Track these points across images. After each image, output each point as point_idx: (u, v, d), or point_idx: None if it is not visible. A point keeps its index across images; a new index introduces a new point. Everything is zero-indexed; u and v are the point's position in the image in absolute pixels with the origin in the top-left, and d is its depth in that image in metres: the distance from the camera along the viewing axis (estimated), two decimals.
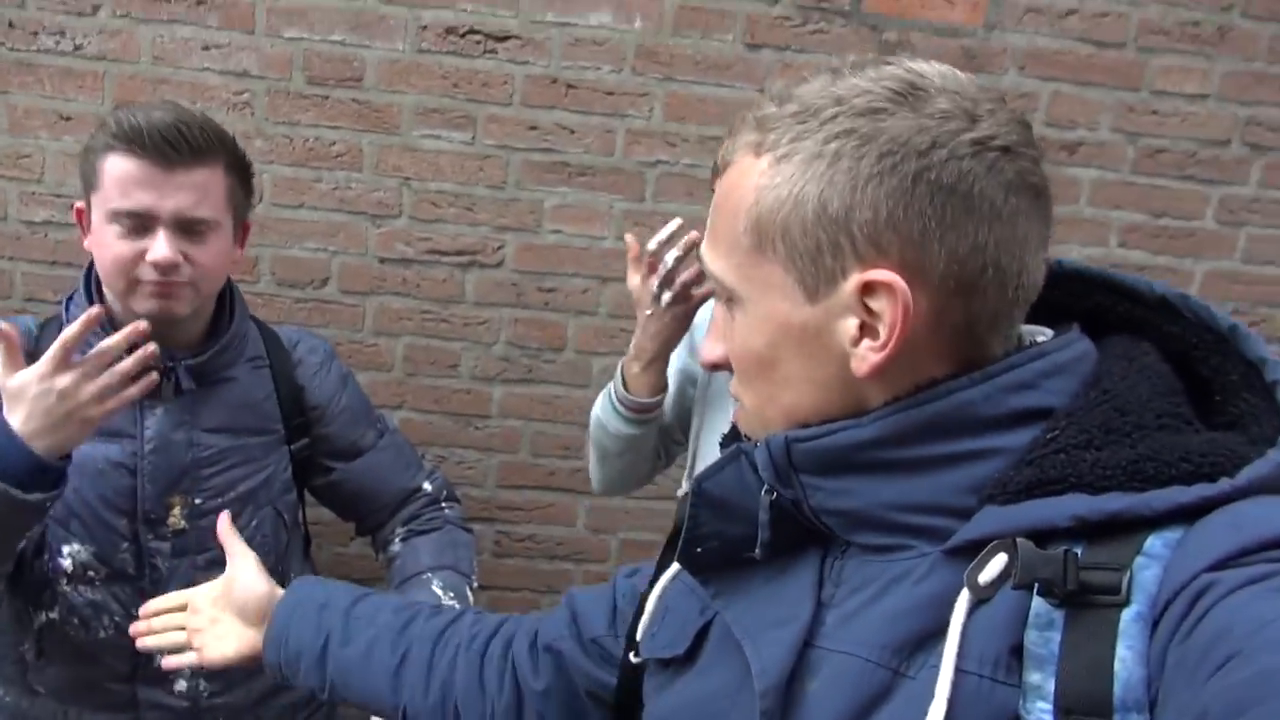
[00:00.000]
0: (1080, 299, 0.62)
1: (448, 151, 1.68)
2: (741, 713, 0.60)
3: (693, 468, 1.33)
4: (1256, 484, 0.50)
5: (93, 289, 1.23)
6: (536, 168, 1.69)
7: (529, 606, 1.92)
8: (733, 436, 0.68)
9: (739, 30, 1.65)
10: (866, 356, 0.55)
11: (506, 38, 1.63)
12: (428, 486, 1.47)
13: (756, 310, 0.59)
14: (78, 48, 1.62)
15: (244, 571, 0.99)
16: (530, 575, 1.91)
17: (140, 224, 1.13)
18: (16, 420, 1.03)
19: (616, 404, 1.28)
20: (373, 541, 1.50)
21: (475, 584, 1.44)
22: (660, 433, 1.36)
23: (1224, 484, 0.50)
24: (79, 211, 1.20)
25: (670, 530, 0.72)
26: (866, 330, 0.55)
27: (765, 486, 0.61)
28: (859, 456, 0.57)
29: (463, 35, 1.63)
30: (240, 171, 1.22)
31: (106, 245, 1.14)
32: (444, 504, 1.48)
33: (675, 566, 0.72)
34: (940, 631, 0.53)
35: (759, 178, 0.56)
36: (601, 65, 1.64)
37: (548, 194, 1.70)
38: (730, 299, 0.61)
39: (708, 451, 1.28)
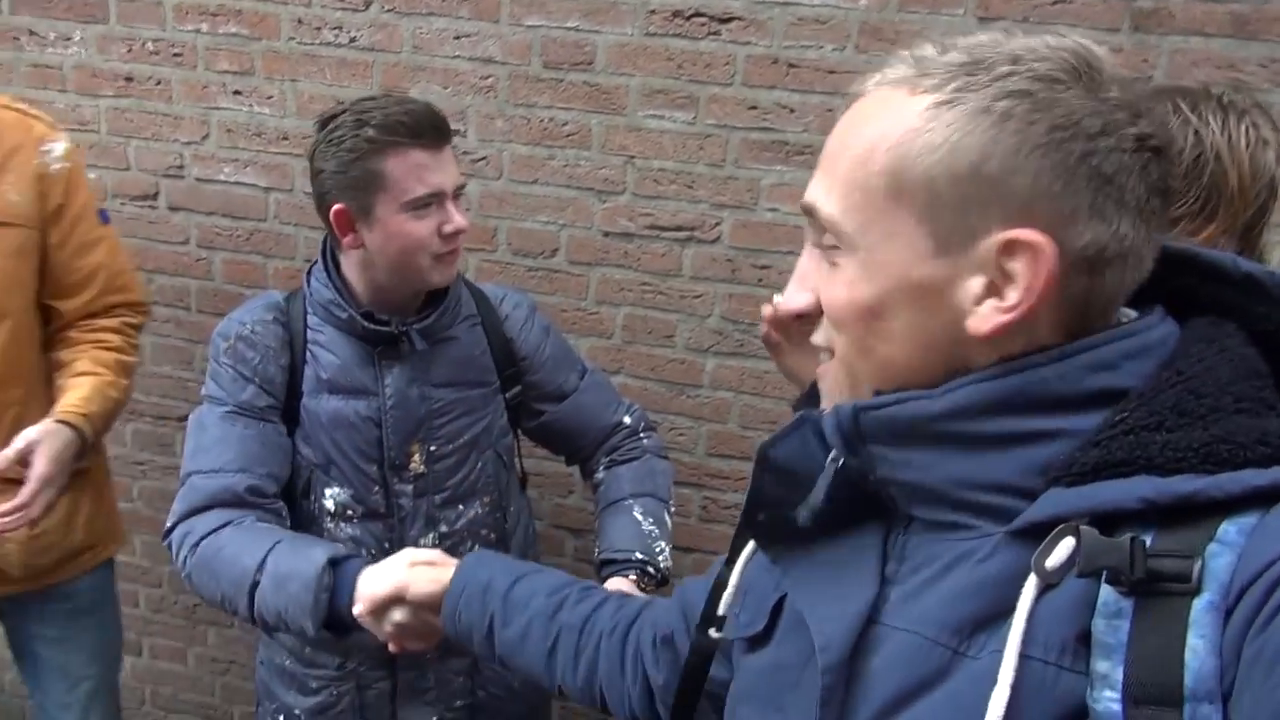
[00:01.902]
0: (1166, 280, 0.59)
1: (670, 131, 1.74)
2: (807, 687, 0.61)
3: None
4: None
5: (329, 264, 1.38)
6: (755, 146, 1.72)
7: None
8: (804, 402, 0.68)
9: (970, 3, 1.59)
10: (990, 316, 0.54)
11: (730, 19, 1.66)
12: (627, 420, 1.59)
13: (871, 258, 0.57)
14: (352, 40, 1.82)
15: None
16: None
17: (435, 201, 1.29)
18: None
19: None
20: (581, 470, 1.63)
21: (672, 508, 1.55)
22: None
23: None
24: (339, 214, 1.28)
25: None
26: (992, 290, 0.54)
27: (832, 455, 0.61)
28: (929, 428, 0.56)
29: (688, 18, 1.68)
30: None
31: (404, 234, 1.28)
32: (642, 434, 1.60)
33: (752, 545, 0.72)
34: (1003, 613, 0.52)
35: (912, 118, 0.55)
36: (824, 44, 1.64)
37: (765, 172, 1.73)
38: (836, 245, 0.58)
39: None
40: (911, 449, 0.57)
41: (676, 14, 1.68)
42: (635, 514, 1.48)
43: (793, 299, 0.62)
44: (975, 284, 0.55)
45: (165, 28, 1.89)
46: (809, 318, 0.62)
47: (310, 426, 1.37)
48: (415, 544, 1.41)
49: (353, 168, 1.26)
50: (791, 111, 1.69)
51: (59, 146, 1.47)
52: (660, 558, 1.44)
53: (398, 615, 1.10)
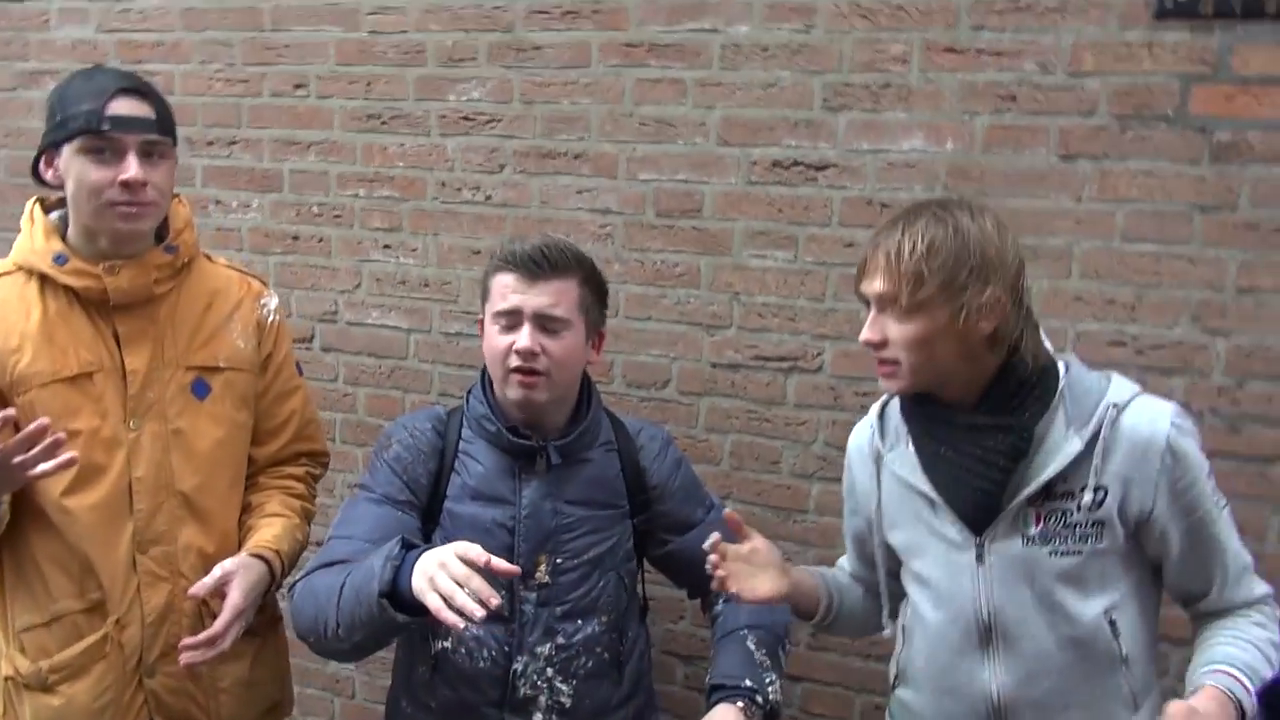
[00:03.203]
0: None
1: (773, 269, 1.89)
2: None
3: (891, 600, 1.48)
4: None
5: (486, 385, 1.56)
6: (853, 281, 1.83)
7: (842, 704, 1.97)
8: None
9: (1052, 143, 1.70)
10: None
11: (825, 167, 1.82)
12: None
13: None
14: (488, 198, 2.07)
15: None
16: (844, 671, 1.97)
17: (512, 321, 1.46)
18: None
19: None
20: (701, 603, 1.70)
21: (789, 646, 1.59)
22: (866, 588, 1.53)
23: None
24: (480, 324, 1.56)
25: None
26: None
27: None
28: None
29: (787, 167, 1.85)
30: (594, 288, 1.52)
31: (489, 341, 1.49)
32: None
33: None
34: None
35: None
36: (914, 185, 1.78)
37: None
38: None
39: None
40: None
41: (776, 164, 1.85)
42: (749, 644, 1.52)
43: None
44: None
45: (329, 193, 2.18)
46: None
47: (450, 527, 1.51)
48: (532, 652, 1.50)
49: (482, 285, 1.53)
50: None
51: (273, 301, 1.68)
52: (770, 689, 1.48)
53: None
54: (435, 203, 2.11)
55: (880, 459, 1.40)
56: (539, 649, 1.51)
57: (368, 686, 2.35)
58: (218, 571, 1.45)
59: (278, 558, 1.54)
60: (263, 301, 1.65)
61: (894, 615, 1.50)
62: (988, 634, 1.30)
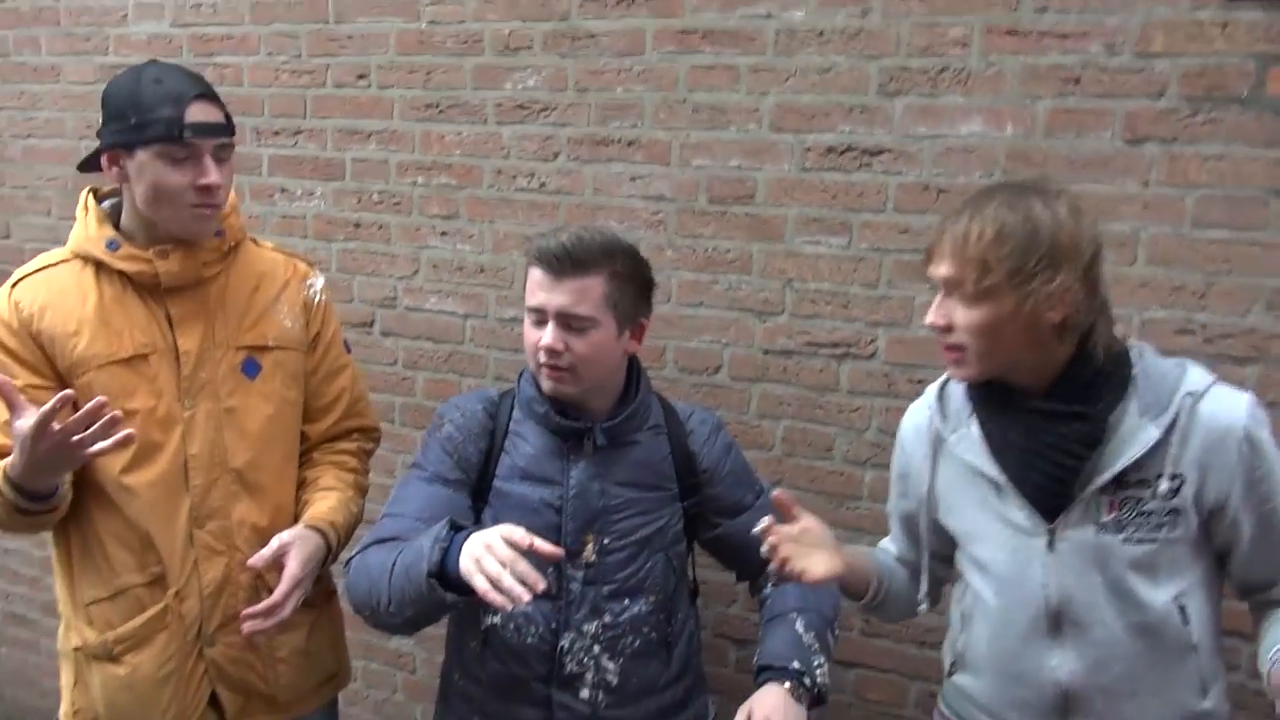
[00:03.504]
0: None
1: (826, 255, 1.87)
2: None
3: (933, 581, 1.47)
4: None
5: None
6: (908, 267, 1.81)
7: (896, 690, 1.96)
8: None
9: (1118, 126, 1.66)
10: None
11: (881, 152, 1.80)
12: None
13: None
14: (542, 185, 2.09)
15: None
16: (898, 658, 1.96)
17: (540, 318, 1.48)
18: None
19: None
20: (750, 586, 1.71)
21: (837, 631, 1.59)
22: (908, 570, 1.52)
23: None
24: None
25: None
26: None
27: None
28: None
29: (841, 153, 1.83)
30: (626, 280, 1.51)
31: (525, 332, 1.52)
32: None
33: None
34: None
35: None
36: (973, 171, 1.75)
37: (919, 291, 1.81)
38: None
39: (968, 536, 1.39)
40: None
41: (830, 149, 1.84)
42: (797, 627, 1.53)
43: None
44: None
45: (389, 181, 2.23)
46: None
47: (499, 507, 1.54)
48: (579, 629, 1.52)
49: (526, 271, 1.54)
50: None
51: (319, 282, 1.72)
52: (818, 672, 1.48)
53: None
54: (491, 190, 2.14)
55: (940, 441, 1.39)
56: (585, 626, 1.53)
57: (428, 663, 2.41)
58: (275, 543, 1.50)
59: (333, 529, 1.58)
60: (309, 282, 1.70)
61: (933, 599, 1.49)
62: (1056, 620, 1.29)
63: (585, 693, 1.53)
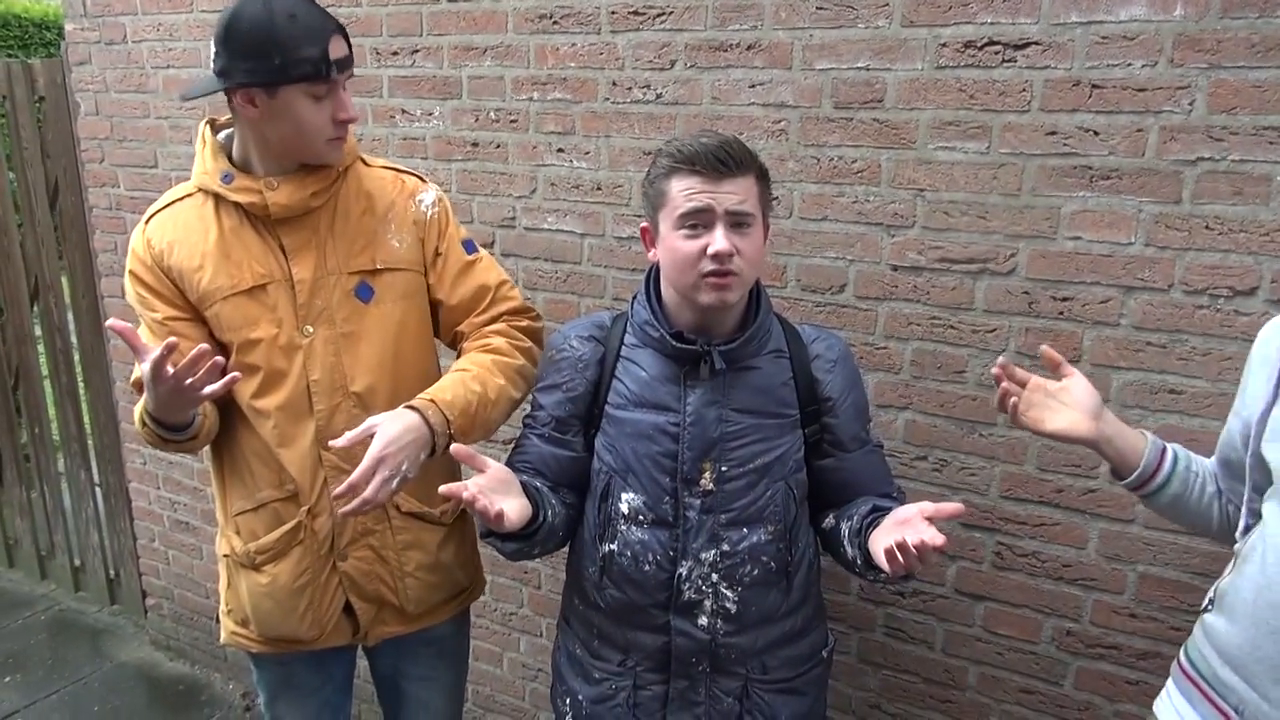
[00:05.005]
0: None
1: (961, 162, 1.73)
2: None
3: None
4: None
5: (651, 292, 1.54)
6: (1054, 173, 1.65)
7: (1029, 626, 1.87)
8: None
9: None
10: None
11: (1026, 44, 1.63)
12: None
13: None
14: (658, 96, 2.00)
15: None
16: (1032, 593, 1.86)
17: (703, 221, 1.39)
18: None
19: None
20: (810, 518, 1.63)
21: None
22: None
23: None
24: (644, 231, 1.51)
25: None
26: None
27: None
28: None
29: (981, 48, 1.67)
30: (766, 180, 1.46)
31: (674, 248, 1.42)
32: None
33: None
34: None
35: None
36: (1133, 61, 1.56)
37: (1066, 199, 1.66)
38: None
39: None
40: None
41: (968, 45, 1.68)
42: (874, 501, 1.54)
43: None
44: None
45: (505, 98, 2.19)
46: None
47: (614, 434, 1.52)
48: (697, 557, 1.50)
49: (650, 189, 1.47)
50: (1096, 134, 1.61)
51: (429, 195, 1.71)
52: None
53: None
54: (606, 104, 2.07)
55: None
56: (703, 555, 1.50)
57: (552, 579, 2.47)
58: (363, 424, 1.43)
59: (432, 406, 1.51)
60: (419, 198, 1.69)
61: (1246, 533, 1.32)
62: None
63: (704, 620, 1.52)
